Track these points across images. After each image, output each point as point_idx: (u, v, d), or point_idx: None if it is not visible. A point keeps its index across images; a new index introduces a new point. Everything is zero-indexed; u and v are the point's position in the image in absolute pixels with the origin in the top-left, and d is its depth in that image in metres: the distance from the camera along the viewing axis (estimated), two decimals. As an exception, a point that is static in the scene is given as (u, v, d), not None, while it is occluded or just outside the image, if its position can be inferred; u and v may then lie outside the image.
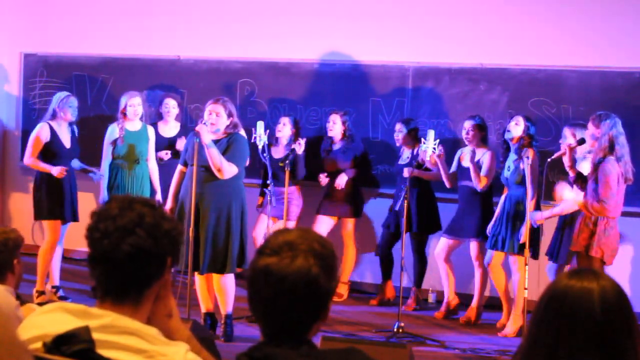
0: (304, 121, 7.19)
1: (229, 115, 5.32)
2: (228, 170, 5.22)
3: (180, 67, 7.58)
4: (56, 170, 6.05)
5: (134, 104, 6.37)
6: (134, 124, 6.41)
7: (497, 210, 5.99)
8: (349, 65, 7.14)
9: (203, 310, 5.48)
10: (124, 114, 6.36)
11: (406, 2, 7.06)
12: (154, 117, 6.97)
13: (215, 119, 5.27)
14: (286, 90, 7.28)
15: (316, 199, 6.81)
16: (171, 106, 6.82)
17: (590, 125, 5.00)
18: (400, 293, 5.85)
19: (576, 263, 5.04)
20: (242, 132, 5.54)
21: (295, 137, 6.64)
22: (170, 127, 6.86)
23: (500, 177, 5.98)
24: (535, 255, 5.77)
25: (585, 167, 5.23)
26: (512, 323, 5.83)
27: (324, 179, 6.69)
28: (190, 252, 5.12)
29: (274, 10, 7.38)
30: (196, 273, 5.37)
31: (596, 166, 4.89)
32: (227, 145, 5.27)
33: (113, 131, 6.37)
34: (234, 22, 7.45)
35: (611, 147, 4.86)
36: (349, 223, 6.80)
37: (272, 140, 6.55)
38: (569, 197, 5.04)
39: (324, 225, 6.71)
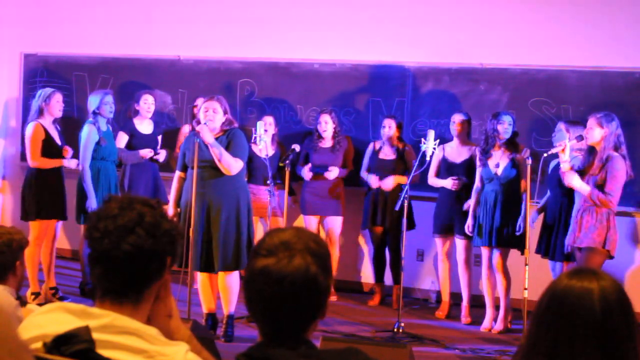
0: (304, 121, 7.19)
1: (224, 111, 5.29)
2: (235, 166, 5.20)
3: (180, 67, 7.58)
4: (74, 163, 6.11)
5: (108, 101, 6.19)
6: (103, 124, 6.20)
7: (474, 206, 5.96)
8: (349, 65, 7.14)
9: (205, 310, 5.46)
10: (98, 113, 6.14)
11: (406, 2, 7.06)
12: (133, 113, 6.71)
13: (213, 116, 5.23)
14: (286, 90, 7.28)
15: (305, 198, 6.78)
16: (150, 102, 6.62)
17: (594, 125, 5.12)
18: (400, 293, 5.85)
19: (583, 258, 5.07)
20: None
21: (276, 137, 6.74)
22: (146, 125, 6.67)
23: (482, 171, 5.94)
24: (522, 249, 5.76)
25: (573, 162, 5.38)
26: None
27: (307, 172, 6.63)
28: (191, 251, 5.11)
29: (274, 10, 7.38)
30: (198, 272, 5.35)
31: (604, 163, 5.06)
32: (228, 141, 5.24)
33: (92, 131, 6.10)
34: (234, 22, 7.45)
35: (616, 146, 5.09)
36: (334, 221, 6.73)
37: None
38: (577, 184, 5.11)
39: (312, 226, 6.68)
